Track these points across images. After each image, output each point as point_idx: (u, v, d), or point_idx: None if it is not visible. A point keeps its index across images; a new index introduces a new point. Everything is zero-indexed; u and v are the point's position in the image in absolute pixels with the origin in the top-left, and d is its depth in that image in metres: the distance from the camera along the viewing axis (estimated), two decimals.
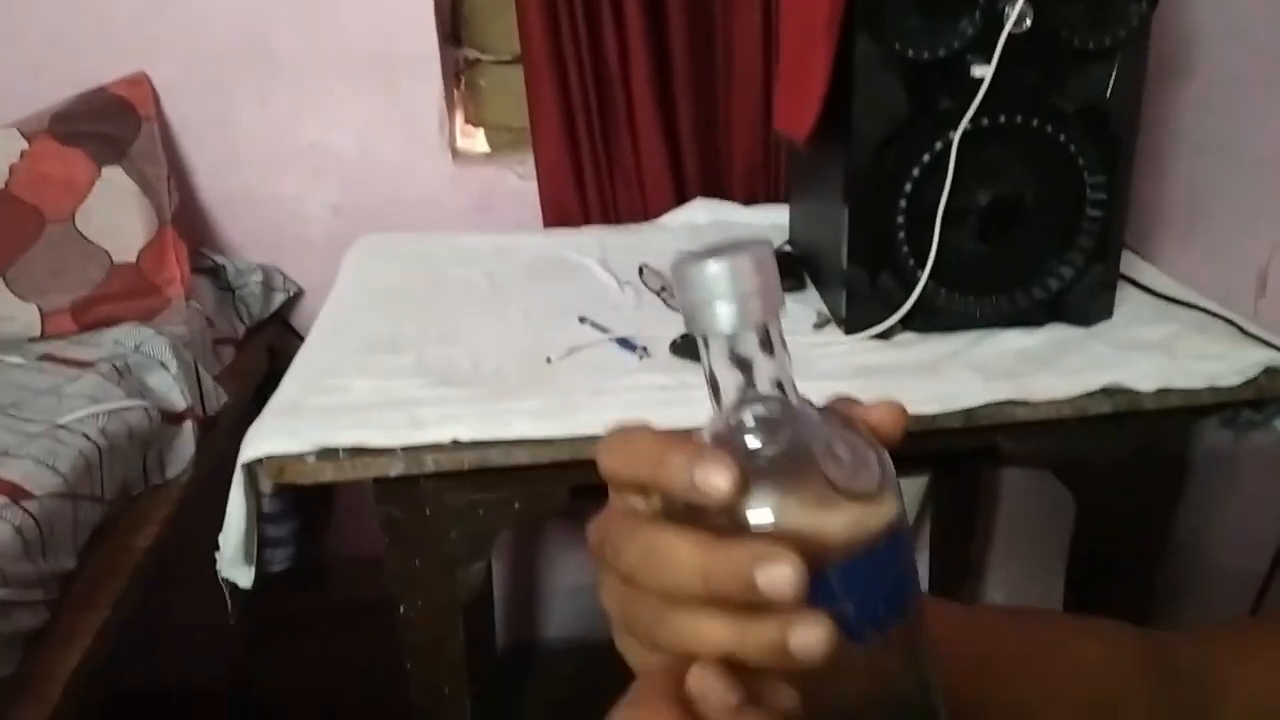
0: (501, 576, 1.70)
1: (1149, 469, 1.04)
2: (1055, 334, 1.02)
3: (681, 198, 1.47)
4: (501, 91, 1.55)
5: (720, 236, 0.30)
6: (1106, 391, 0.93)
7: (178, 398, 1.13)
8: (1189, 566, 1.19)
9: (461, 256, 1.32)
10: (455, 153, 1.52)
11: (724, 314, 0.28)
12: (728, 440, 0.29)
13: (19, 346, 1.21)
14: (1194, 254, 1.13)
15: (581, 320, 1.11)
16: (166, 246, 1.32)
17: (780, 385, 0.29)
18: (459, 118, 1.55)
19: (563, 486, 0.97)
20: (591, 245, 1.34)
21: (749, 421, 0.29)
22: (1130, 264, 1.13)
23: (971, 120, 0.91)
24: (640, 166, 1.46)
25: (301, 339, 1.53)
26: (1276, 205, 1.00)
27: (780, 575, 0.25)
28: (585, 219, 1.47)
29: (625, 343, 1.05)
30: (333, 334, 1.11)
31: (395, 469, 0.89)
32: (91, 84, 1.35)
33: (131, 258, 1.29)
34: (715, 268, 0.27)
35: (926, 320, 1.01)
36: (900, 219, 0.97)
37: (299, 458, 0.88)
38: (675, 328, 1.05)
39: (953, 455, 1.39)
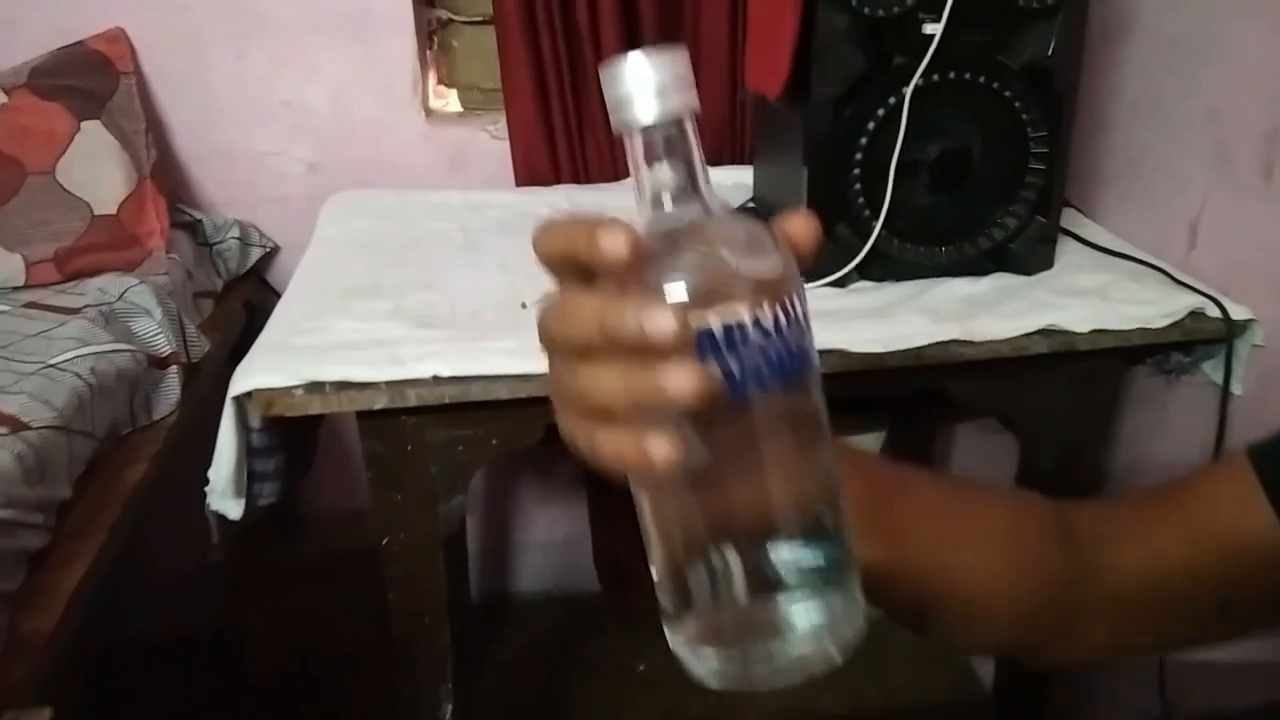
0: (475, 530, 1.75)
1: (1085, 409, 1.12)
2: (999, 282, 1.09)
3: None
4: (473, 52, 1.59)
5: None
6: (1044, 332, 1.00)
7: (162, 343, 1.16)
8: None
9: (436, 212, 1.37)
10: (428, 112, 1.55)
11: (642, 108, 0.33)
12: (644, 222, 0.34)
13: (4, 295, 1.24)
14: (1130, 208, 1.20)
15: None
16: (145, 199, 1.34)
17: (693, 179, 0.34)
18: (432, 78, 1.59)
19: (539, 423, 1.02)
20: (562, 202, 1.39)
21: (664, 206, 0.34)
22: (1070, 218, 1.20)
23: (923, 76, 0.97)
24: (609, 126, 1.50)
25: (277, 294, 1.56)
26: (1206, 163, 1.07)
27: (662, 321, 0.30)
28: (556, 178, 1.52)
29: None
30: (314, 282, 1.15)
31: (379, 402, 0.94)
32: (69, 38, 1.37)
33: (112, 210, 1.32)
34: (634, 60, 0.33)
35: (880, 269, 1.08)
36: (856, 172, 1.03)
37: (287, 391, 0.92)
38: None
39: (906, 402, 1.47)
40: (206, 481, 0.98)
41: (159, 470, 1.06)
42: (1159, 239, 1.14)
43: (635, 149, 0.35)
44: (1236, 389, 1.03)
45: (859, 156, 1.02)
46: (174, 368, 1.16)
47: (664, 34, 1.46)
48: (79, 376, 1.01)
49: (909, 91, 0.98)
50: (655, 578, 0.37)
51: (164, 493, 1.10)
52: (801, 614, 0.34)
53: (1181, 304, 1.02)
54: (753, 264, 0.33)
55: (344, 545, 1.57)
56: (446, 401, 0.95)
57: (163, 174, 1.40)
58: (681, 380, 0.30)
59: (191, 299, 1.34)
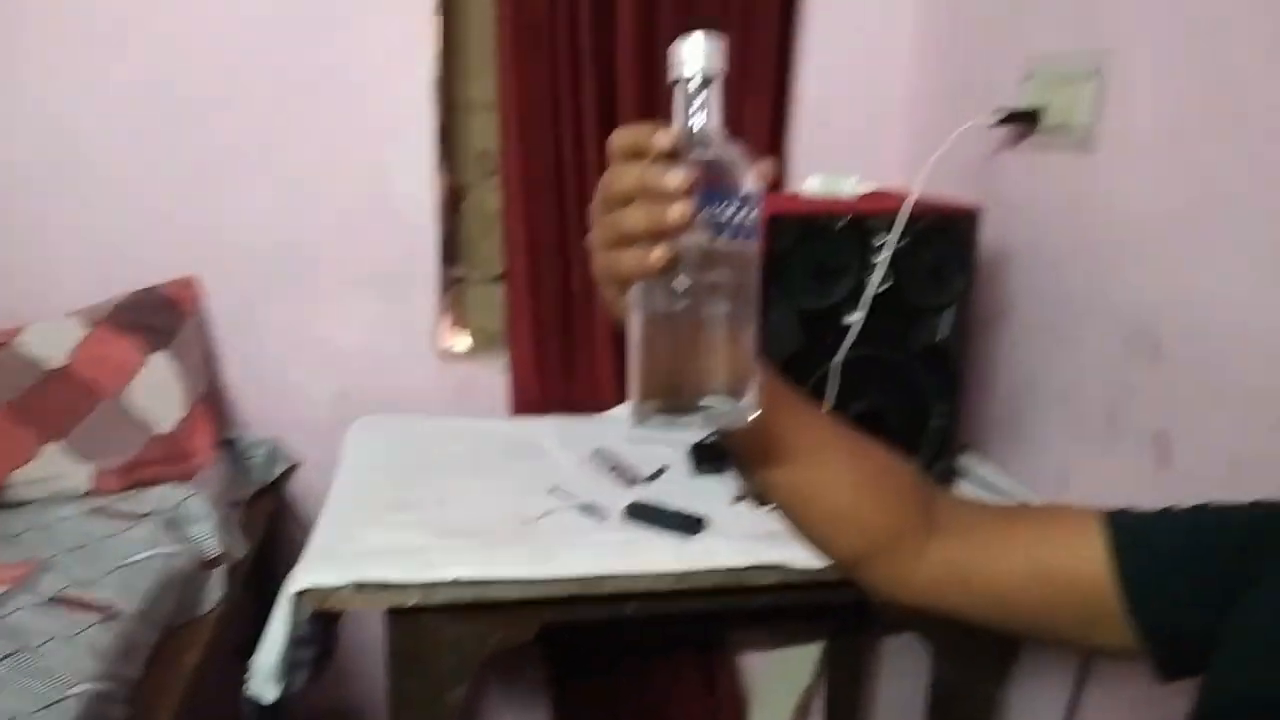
0: None
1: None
2: None
3: (625, 395, 1.80)
4: (483, 303, 1.89)
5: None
6: None
7: (213, 545, 1.36)
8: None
9: (446, 437, 1.61)
10: (442, 351, 1.83)
11: (691, 64, 0.56)
12: (677, 134, 0.55)
13: (71, 501, 1.44)
14: (1012, 456, 1.49)
15: (551, 490, 1.40)
16: (197, 421, 1.58)
17: (711, 117, 0.55)
18: (446, 322, 1.87)
19: (534, 623, 1.23)
20: (552, 431, 1.65)
21: (694, 125, 0.56)
22: (969, 460, 1.48)
23: (846, 353, 1.26)
24: (594, 368, 1.79)
25: (291, 506, 1.78)
26: (1068, 430, 1.36)
27: (677, 176, 0.52)
28: (546, 410, 1.78)
29: (588, 508, 1.33)
30: (350, 496, 1.37)
31: (412, 600, 1.14)
32: (150, 280, 1.64)
33: (169, 429, 1.55)
34: (694, 37, 0.56)
35: None
36: None
37: (337, 590, 1.13)
38: (627, 497, 1.35)
39: (841, 615, 1.68)
40: (238, 668, 1.16)
41: (210, 656, 1.24)
42: (1038, 479, 1.41)
43: (683, 89, 0.57)
44: None
45: None
46: (222, 567, 1.36)
47: None
48: (152, 573, 1.21)
49: (834, 365, 1.27)
50: (633, 379, 0.56)
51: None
52: (723, 382, 0.56)
53: None
54: (729, 157, 0.56)
55: None
56: (468, 600, 1.16)
57: (212, 400, 1.65)
58: (679, 210, 0.52)
59: (228, 507, 1.55)
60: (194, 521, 1.38)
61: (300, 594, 1.14)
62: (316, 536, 1.25)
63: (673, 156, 0.54)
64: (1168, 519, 0.75)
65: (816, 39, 1.78)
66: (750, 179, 0.56)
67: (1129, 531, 0.73)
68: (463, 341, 1.91)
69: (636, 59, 1.68)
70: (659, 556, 1.22)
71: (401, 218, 1.75)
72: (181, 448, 1.55)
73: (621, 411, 1.76)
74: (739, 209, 0.55)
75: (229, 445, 1.68)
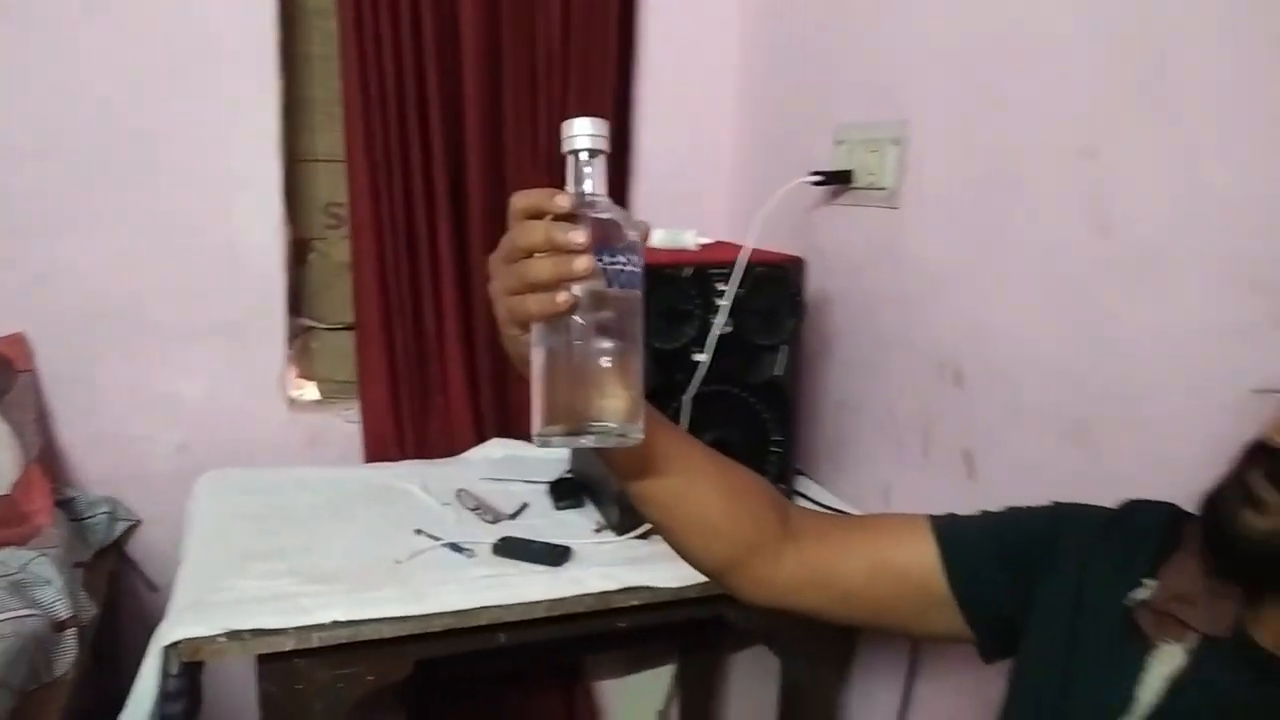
0: None
1: (819, 635, 1.49)
2: None
3: (481, 437, 1.86)
4: (330, 351, 1.90)
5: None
6: None
7: (61, 609, 1.31)
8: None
9: (301, 487, 1.61)
10: (290, 401, 1.83)
11: (581, 140, 0.65)
12: (573, 197, 0.64)
13: None
14: (842, 475, 1.65)
15: (417, 532, 1.43)
16: (34, 482, 1.52)
17: (598, 184, 0.65)
18: (291, 372, 1.87)
19: (410, 659, 1.26)
20: (412, 475, 1.68)
21: (584, 190, 0.65)
22: (804, 482, 1.63)
23: (696, 389, 1.38)
24: (450, 412, 1.84)
25: (136, 565, 1.73)
26: (888, 452, 1.53)
27: (578, 235, 0.60)
28: (402, 455, 1.81)
29: (455, 547, 1.38)
30: (209, 549, 1.36)
31: (288, 645, 1.16)
32: None
33: (4, 491, 1.48)
34: (580, 120, 0.65)
35: None
36: None
37: (210, 639, 1.13)
38: (492, 534, 1.40)
39: (692, 634, 1.79)
40: None
41: None
42: (863, 497, 1.58)
43: (574, 160, 0.66)
44: None
45: None
46: (71, 630, 1.31)
47: (495, 339, 1.85)
48: (3, 639, 1.16)
49: (685, 400, 1.38)
50: (536, 406, 0.64)
51: None
52: (615, 409, 0.64)
53: None
54: (619, 221, 0.65)
55: None
56: (343, 641, 1.18)
57: (48, 458, 1.58)
58: (584, 264, 0.61)
59: (72, 568, 1.49)
60: (41, 584, 1.33)
61: (171, 646, 1.13)
62: (180, 589, 1.23)
63: (570, 216, 0.63)
64: (982, 518, 0.90)
65: (649, 107, 1.93)
66: (633, 234, 0.66)
67: (952, 530, 0.88)
68: (311, 391, 1.91)
69: (482, 117, 1.76)
70: (529, 587, 1.28)
71: (247, 268, 1.74)
72: (19, 509, 1.48)
73: (478, 453, 1.81)
74: (625, 260, 0.64)
75: (66, 505, 1.61)
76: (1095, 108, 1.12)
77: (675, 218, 1.66)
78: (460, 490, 1.58)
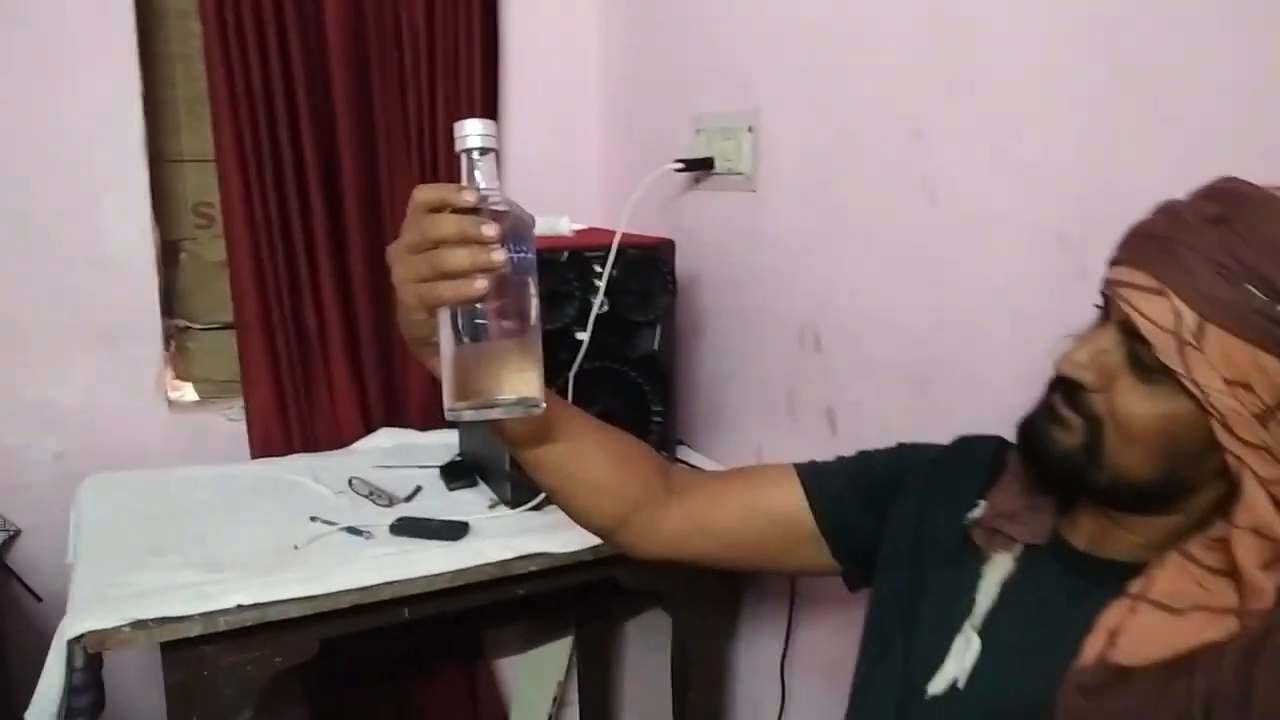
0: None
1: (715, 581, 1.60)
2: None
3: (369, 428, 1.89)
4: (207, 351, 1.90)
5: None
6: None
7: None
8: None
9: (189, 485, 1.62)
10: (170, 403, 1.82)
11: (470, 139, 0.72)
12: (474, 192, 0.71)
13: None
14: (717, 441, 1.77)
15: (312, 519, 1.47)
16: None
17: (492, 179, 0.72)
18: (168, 374, 1.86)
19: (315, 640, 1.30)
20: (301, 468, 1.70)
21: (479, 185, 0.72)
22: (684, 450, 1.74)
23: (579, 365, 1.47)
24: (335, 404, 1.87)
25: (17, 576, 1.69)
26: (758, 416, 1.65)
27: (490, 229, 0.68)
28: (289, 450, 1.83)
29: (353, 530, 1.42)
30: (101, 549, 1.36)
31: (195, 630, 1.18)
32: None
33: None
34: (469, 121, 0.72)
35: None
36: None
37: (116, 630, 1.14)
38: (388, 517, 1.45)
39: (586, 603, 1.87)
40: None
41: None
42: (739, 459, 1.70)
43: (468, 158, 0.73)
44: None
45: None
46: None
47: (377, 332, 1.88)
48: None
49: (570, 375, 1.46)
50: (447, 384, 0.72)
51: None
52: (520, 383, 0.73)
53: None
54: (517, 214, 0.72)
55: None
56: (249, 624, 1.21)
57: None
58: (500, 256, 0.69)
59: None
60: None
61: (75, 640, 1.14)
62: (78, 585, 1.24)
63: (474, 210, 0.71)
64: (839, 462, 1.03)
65: (515, 102, 2.00)
66: (525, 224, 0.73)
67: (814, 473, 1.00)
68: (189, 393, 1.90)
69: (351, 114, 1.80)
70: (430, 561, 1.34)
71: (117, 271, 1.73)
72: None
73: (367, 443, 1.85)
74: (521, 249, 0.72)
75: None
76: (921, 96, 1.27)
77: (547, 206, 1.73)
78: (352, 478, 1.62)
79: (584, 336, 1.47)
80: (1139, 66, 0.99)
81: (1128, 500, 0.76)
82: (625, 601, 1.92)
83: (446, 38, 1.86)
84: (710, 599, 1.64)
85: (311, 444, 1.85)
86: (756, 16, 1.59)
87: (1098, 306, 0.76)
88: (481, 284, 0.69)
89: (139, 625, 1.16)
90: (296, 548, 1.37)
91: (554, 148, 2.08)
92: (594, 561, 1.42)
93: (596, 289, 1.48)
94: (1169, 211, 0.71)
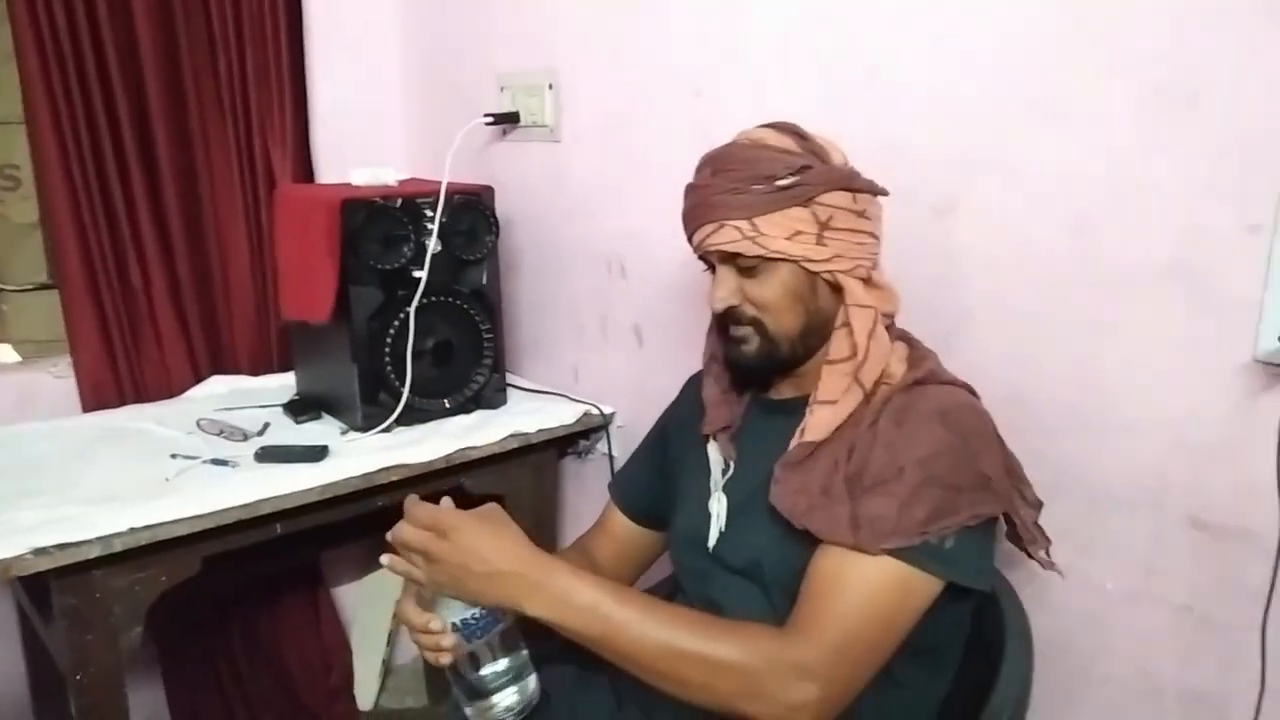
0: None
1: (545, 485, 1.85)
2: (481, 415, 1.78)
3: (199, 377, 1.98)
4: (24, 311, 1.91)
5: None
6: (513, 436, 1.72)
7: None
8: None
9: (34, 439, 1.66)
10: None
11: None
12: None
13: None
14: (539, 364, 2.01)
15: (173, 456, 1.58)
16: None
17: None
18: None
19: (196, 556, 1.44)
20: (142, 416, 1.78)
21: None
22: (511, 376, 1.97)
23: (418, 301, 1.65)
24: (164, 356, 1.94)
25: None
26: (576, 338, 1.91)
27: (445, 658, 0.98)
28: (121, 402, 1.89)
29: (218, 461, 1.55)
30: None
31: (94, 552, 1.29)
32: None
33: None
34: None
35: (411, 417, 1.70)
36: (387, 361, 1.66)
37: (20, 558, 1.24)
38: (247, 450, 1.59)
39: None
40: None
41: None
42: (558, 379, 1.95)
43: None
44: (617, 452, 1.84)
45: (387, 351, 1.65)
46: None
47: (200, 286, 1.97)
48: None
49: (411, 310, 1.65)
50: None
51: None
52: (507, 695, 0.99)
53: (579, 410, 1.81)
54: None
55: None
56: (144, 544, 1.33)
57: None
58: (447, 641, 0.98)
59: None
60: None
61: None
62: None
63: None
64: (637, 454, 1.36)
65: (321, 62, 2.11)
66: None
67: (623, 491, 1.34)
68: (8, 354, 1.91)
69: (161, 76, 1.86)
70: (300, 479, 1.50)
71: None
72: None
73: (202, 390, 1.94)
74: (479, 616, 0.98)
75: None
76: (698, 58, 1.55)
77: (353, 158, 1.91)
78: (200, 419, 1.73)
79: (421, 275, 1.66)
80: (861, 35, 1.32)
81: (803, 353, 1.08)
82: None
83: (251, 2, 1.95)
84: (548, 509, 1.89)
85: (143, 395, 1.92)
86: None
87: (705, 266, 1.11)
88: (445, 659, 0.98)
89: (40, 552, 1.26)
90: (167, 480, 1.48)
91: (359, 103, 2.20)
92: (446, 469, 1.63)
93: (429, 232, 1.67)
94: (692, 187, 1.08)
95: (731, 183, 1.02)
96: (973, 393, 1.06)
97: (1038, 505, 1.05)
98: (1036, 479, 1.07)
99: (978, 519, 0.95)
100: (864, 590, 0.91)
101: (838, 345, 1.03)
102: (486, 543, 0.95)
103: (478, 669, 1.00)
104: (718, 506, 1.12)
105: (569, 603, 0.92)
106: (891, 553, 0.91)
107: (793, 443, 1.03)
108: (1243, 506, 1.03)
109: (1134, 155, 1.07)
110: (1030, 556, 1.06)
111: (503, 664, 1.00)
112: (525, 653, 1.02)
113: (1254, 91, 0.98)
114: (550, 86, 1.84)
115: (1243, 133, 0.99)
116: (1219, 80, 1.00)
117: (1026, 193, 1.18)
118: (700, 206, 1.06)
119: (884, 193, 1.08)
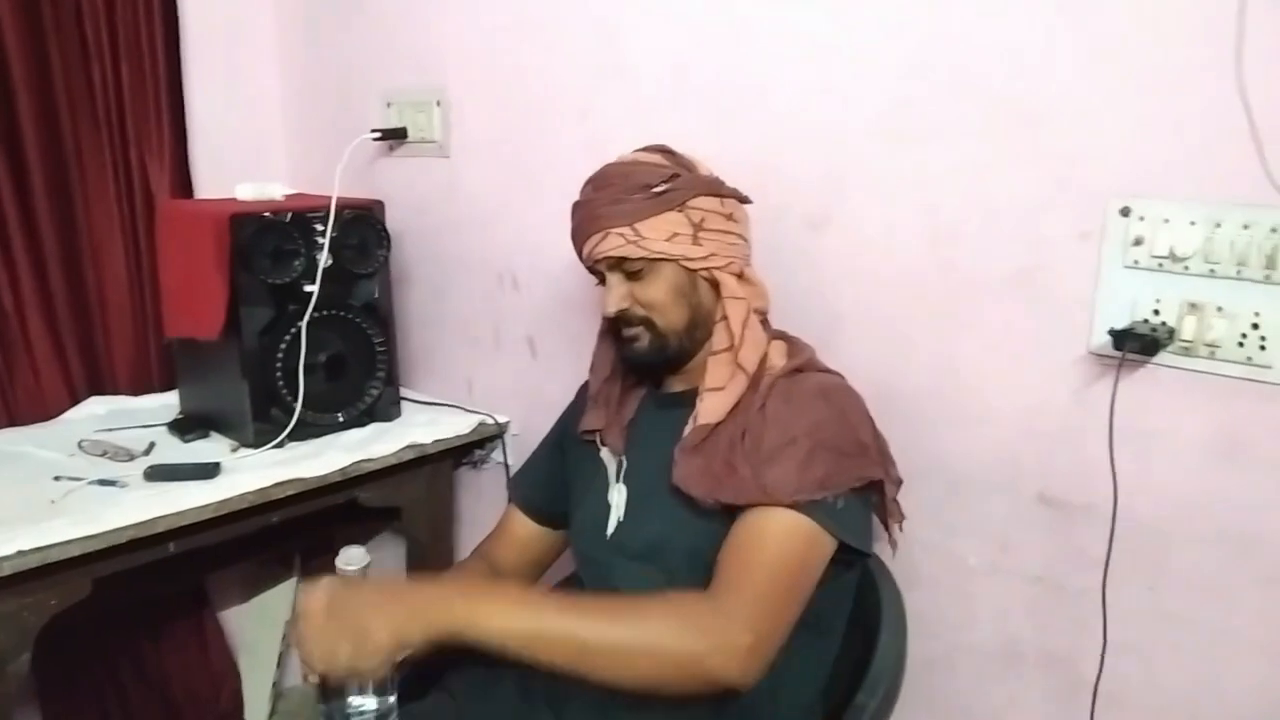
0: None
1: (438, 495, 1.88)
2: (376, 429, 1.80)
3: (75, 399, 1.92)
4: None
5: None
6: (409, 448, 1.74)
7: None
8: None
9: None
10: None
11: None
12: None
13: None
14: (433, 378, 2.03)
15: (56, 478, 1.54)
16: None
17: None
18: None
19: (86, 580, 1.41)
20: (19, 439, 1.73)
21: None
22: (405, 390, 1.99)
23: (310, 315, 1.66)
24: (39, 379, 1.88)
25: None
26: (469, 350, 1.94)
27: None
28: None
29: (105, 481, 1.52)
30: None
31: None
32: None
33: None
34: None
35: (304, 432, 1.71)
36: (279, 375, 1.66)
37: None
38: (134, 469, 1.56)
39: (318, 535, 2.06)
40: None
41: None
42: (453, 390, 1.98)
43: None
44: (511, 460, 1.88)
45: (279, 367, 1.65)
46: None
47: (77, 306, 1.91)
48: None
49: (303, 324, 1.66)
50: None
51: None
52: None
53: (474, 420, 1.85)
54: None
55: None
56: (33, 567, 1.30)
57: None
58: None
59: None
60: None
61: None
62: None
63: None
64: (536, 455, 1.43)
65: (198, 74, 2.08)
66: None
67: (526, 494, 1.39)
68: None
69: (31, 90, 1.81)
70: (194, 497, 1.49)
71: None
72: None
73: (81, 411, 1.88)
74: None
75: None
76: (585, 80, 1.62)
77: (233, 173, 1.90)
78: (81, 441, 1.68)
79: (313, 289, 1.67)
80: (740, 66, 1.41)
81: (689, 346, 1.19)
82: (357, 528, 2.12)
83: (125, 13, 1.91)
84: (436, 519, 1.91)
85: (17, 419, 1.85)
86: (442, 7, 1.85)
87: (596, 280, 1.21)
88: None
89: None
90: (53, 502, 1.45)
91: (238, 117, 2.18)
92: (341, 483, 1.64)
93: (320, 246, 1.68)
94: (579, 205, 1.19)
95: (612, 195, 1.14)
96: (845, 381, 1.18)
97: (898, 483, 1.17)
98: (905, 467, 1.18)
99: (862, 480, 1.07)
100: (778, 539, 1.01)
101: (719, 338, 1.15)
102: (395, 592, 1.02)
103: (344, 697, 1.01)
104: (617, 497, 1.21)
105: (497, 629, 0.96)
106: (798, 506, 1.01)
107: (687, 429, 1.12)
108: (1083, 483, 1.17)
109: (982, 172, 1.20)
110: (886, 529, 1.17)
111: (371, 703, 1.02)
112: (393, 699, 1.04)
113: (1084, 112, 1.11)
114: (438, 103, 1.88)
115: (1073, 150, 1.13)
116: (1053, 104, 1.13)
117: (890, 208, 1.29)
118: (586, 220, 1.17)
119: (748, 200, 1.21)
